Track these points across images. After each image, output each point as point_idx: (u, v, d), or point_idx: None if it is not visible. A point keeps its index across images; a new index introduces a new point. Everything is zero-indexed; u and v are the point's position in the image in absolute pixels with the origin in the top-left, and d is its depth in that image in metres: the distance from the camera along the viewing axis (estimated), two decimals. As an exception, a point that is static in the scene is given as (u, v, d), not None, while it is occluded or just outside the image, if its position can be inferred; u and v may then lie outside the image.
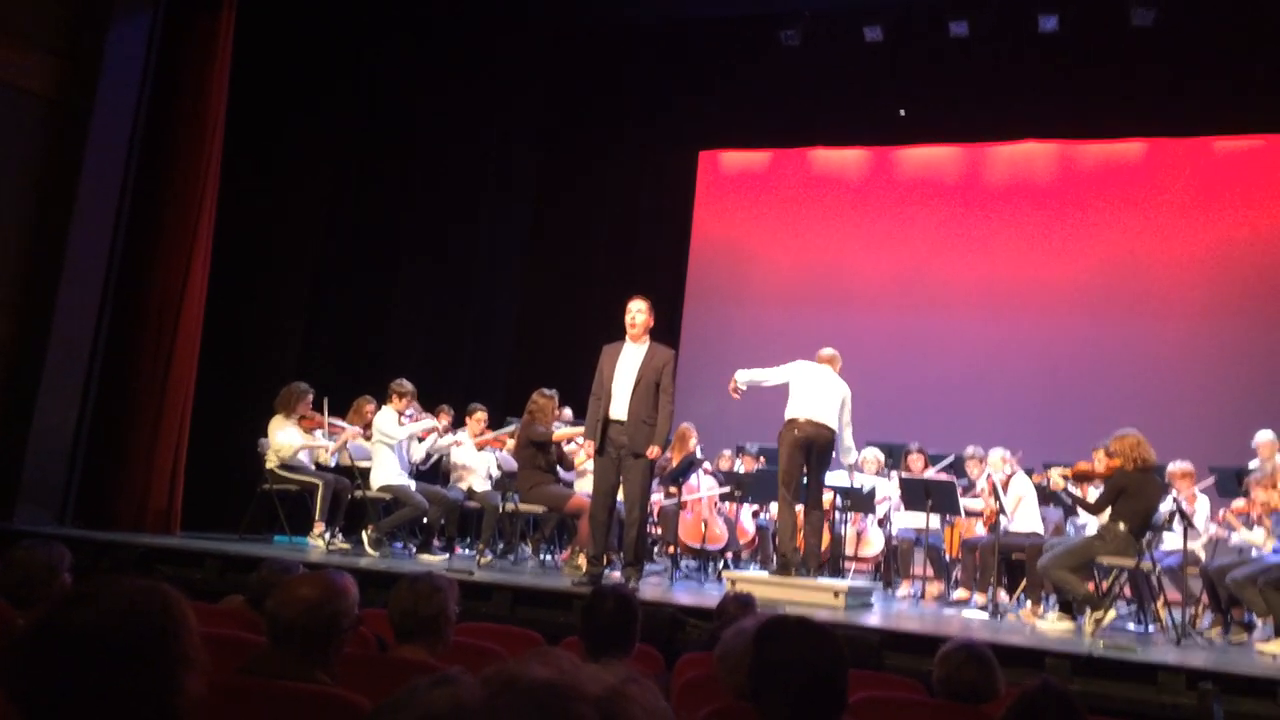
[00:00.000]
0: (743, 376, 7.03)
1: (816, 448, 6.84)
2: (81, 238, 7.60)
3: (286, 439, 7.93)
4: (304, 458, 8.09)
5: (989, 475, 8.03)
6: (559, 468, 8.08)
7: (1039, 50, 10.46)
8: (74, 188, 7.54)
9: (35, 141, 7.56)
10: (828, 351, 7.23)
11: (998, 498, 7.75)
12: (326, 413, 8.21)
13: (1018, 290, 11.04)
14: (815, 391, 6.91)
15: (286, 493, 8.04)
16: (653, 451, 6.53)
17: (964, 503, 8.08)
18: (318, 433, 8.16)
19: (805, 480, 6.92)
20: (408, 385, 8.15)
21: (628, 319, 6.69)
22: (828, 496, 7.80)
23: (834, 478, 7.83)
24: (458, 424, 8.77)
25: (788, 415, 6.89)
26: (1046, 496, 7.87)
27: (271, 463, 7.96)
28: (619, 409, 6.57)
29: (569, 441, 8.21)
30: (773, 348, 7.76)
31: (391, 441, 7.97)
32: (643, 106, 12.03)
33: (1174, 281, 10.57)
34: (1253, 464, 7.76)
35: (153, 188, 8.10)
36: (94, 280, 7.74)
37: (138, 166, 8.00)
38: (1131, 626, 7.10)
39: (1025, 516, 7.91)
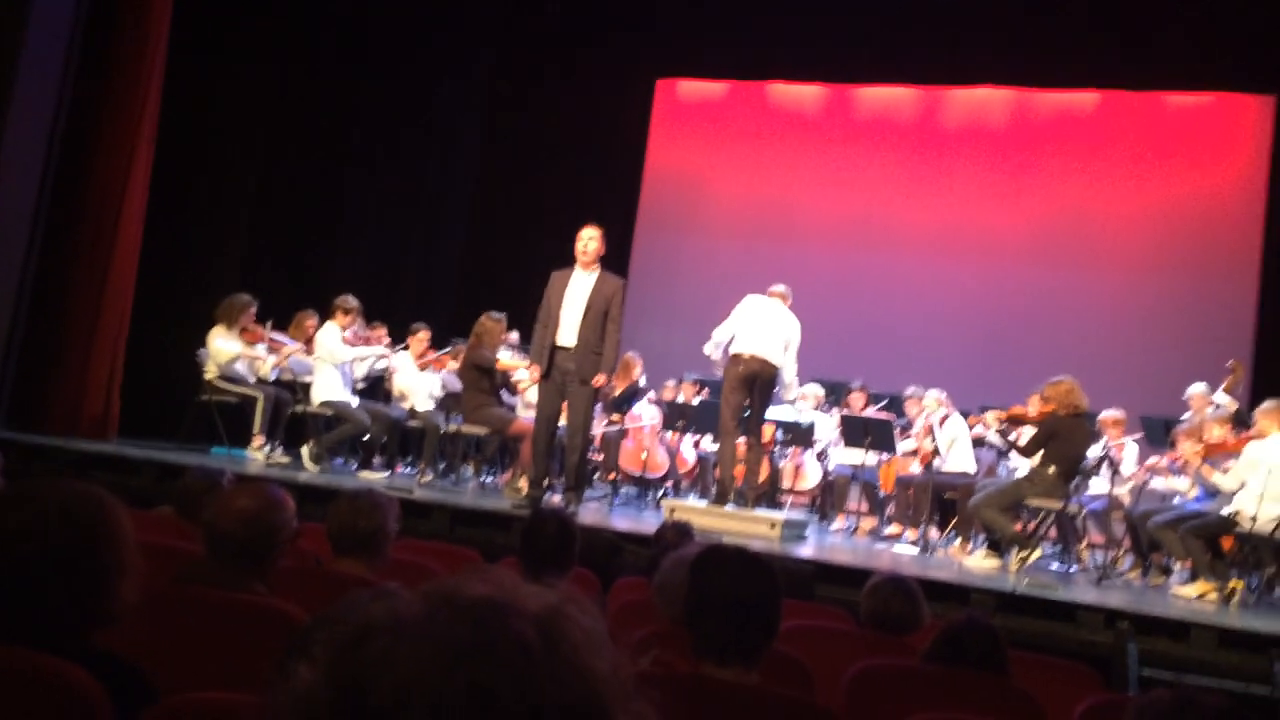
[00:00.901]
0: (711, 348, 7.04)
1: (760, 382, 6.89)
2: (17, 136, 7.34)
3: (226, 346, 7.81)
4: (243, 370, 7.98)
5: (926, 417, 8.17)
6: (502, 392, 8.07)
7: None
8: (9, 84, 7.25)
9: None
10: (780, 288, 7.23)
11: (934, 439, 7.90)
12: (269, 328, 8.09)
13: (966, 234, 11.13)
14: (762, 327, 6.93)
15: (226, 405, 7.95)
16: (599, 380, 6.55)
17: (900, 443, 8.22)
18: (259, 346, 8.05)
19: (747, 413, 6.99)
20: (353, 301, 8.05)
21: (579, 246, 6.65)
22: (768, 430, 7.89)
23: (775, 412, 7.91)
24: (396, 341, 8.67)
25: (733, 350, 6.92)
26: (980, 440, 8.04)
27: (210, 373, 7.85)
28: (567, 336, 6.56)
29: (513, 372, 8.17)
30: (722, 280, 7.77)
31: (334, 362, 7.89)
32: (601, 29, 11.82)
33: (1119, 234, 10.71)
34: (1185, 415, 7.97)
35: (92, 86, 7.81)
36: (29, 181, 7.49)
37: (77, 63, 7.72)
38: (1055, 567, 7.31)
39: (958, 457, 8.08)
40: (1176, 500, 7.24)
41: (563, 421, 6.84)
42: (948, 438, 8.07)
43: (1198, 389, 7.93)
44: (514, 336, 8.66)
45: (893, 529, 8.35)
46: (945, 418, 8.14)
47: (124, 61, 7.89)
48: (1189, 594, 6.21)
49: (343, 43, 10.08)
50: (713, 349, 7.07)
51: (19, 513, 1.73)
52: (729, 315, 7.04)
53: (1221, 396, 7.67)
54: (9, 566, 1.69)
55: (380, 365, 8.44)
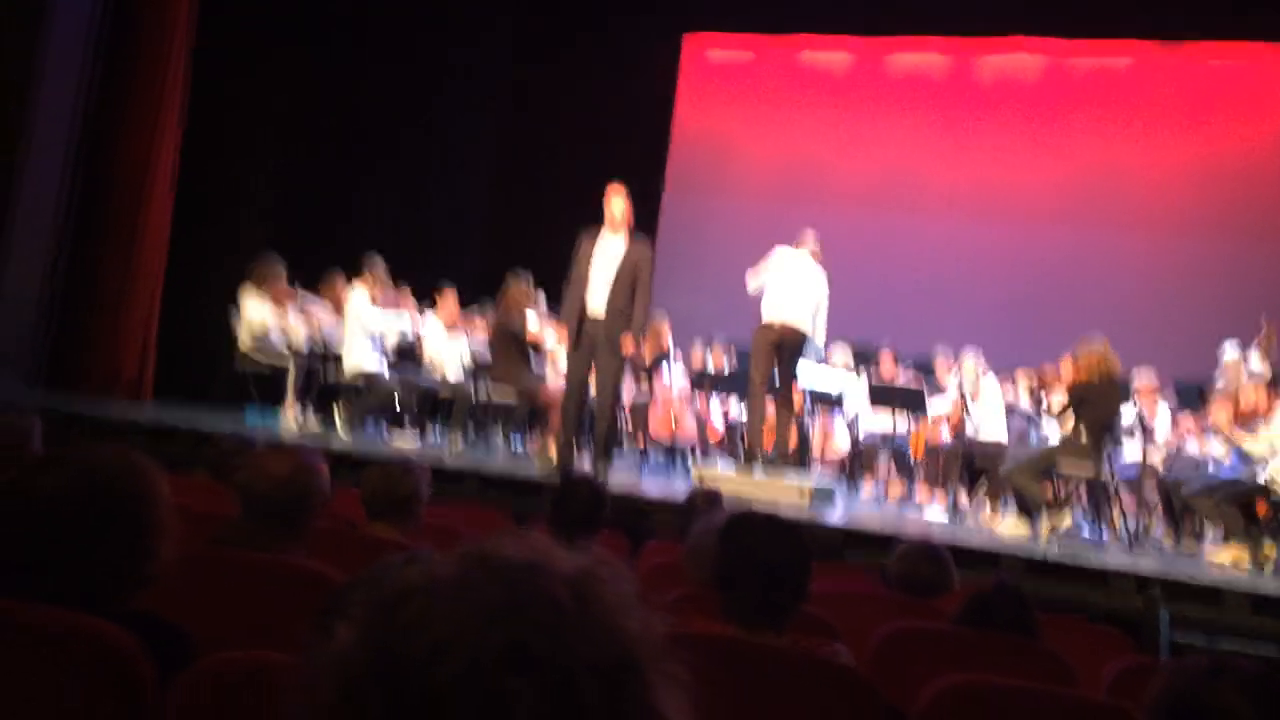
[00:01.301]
0: (751, 285, 7.02)
1: (787, 347, 6.87)
2: (48, 99, 7.40)
3: (258, 315, 7.87)
4: (276, 340, 8.04)
5: (959, 384, 8.11)
6: (532, 352, 8.08)
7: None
8: (37, 50, 7.30)
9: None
10: (809, 239, 7.13)
11: (965, 405, 7.85)
12: (299, 291, 8.14)
13: (998, 195, 11.01)
14: (789, 291, 6.88)
15: (259, 375, 8.01)
16: (628, 346, 6.53)
17: (931, 403, 8.17)
18: (290, 307, 8.09)
19: (776, 377, 6.97)
20: (380, 264, 8.06)
21: (607, 209, 6.60)
22: (797, 397, 7.87)
23: (805, 379, 7.88)
24: (419, 298, 8.65)
25: (763, 317, 6.88)
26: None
27: (244, 344, 7.91)
28: (596, 303, 6.54)
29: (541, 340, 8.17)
30: (751, 242, 7.71)
31: (366, 330, 7.93)
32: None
33: (1156, 193, 10.56)
34: (1219, 377, 7.87)
35: (121, 52, 7.87)
36: (61, 144, 7.57)
37: (107, 29, 7.76)
38: (1086, 533, 7.28)
39: (990, 423, 8.02)
40: (1210, 467, 7.17)
41: (592, 389, 6.85)
42: (985, 398, 8.00)
43: (1232, 354, 7.82)
44: (540, 297, 8.65)
45: (922, 495, 8.33)
46: (978, 380, 8.05)
47: (151, 30, 7.93)
48: (1222, 559, 6.17)
49: (364, 7, 10.05)
50: (753, 286, 7.02)
51: (57, 477, 1.76)
52: (762, 262, 7.01)
53: (1255, 358, 7.56)
54: (49, 530, 1.72)
55: (410, 334, 8.46)
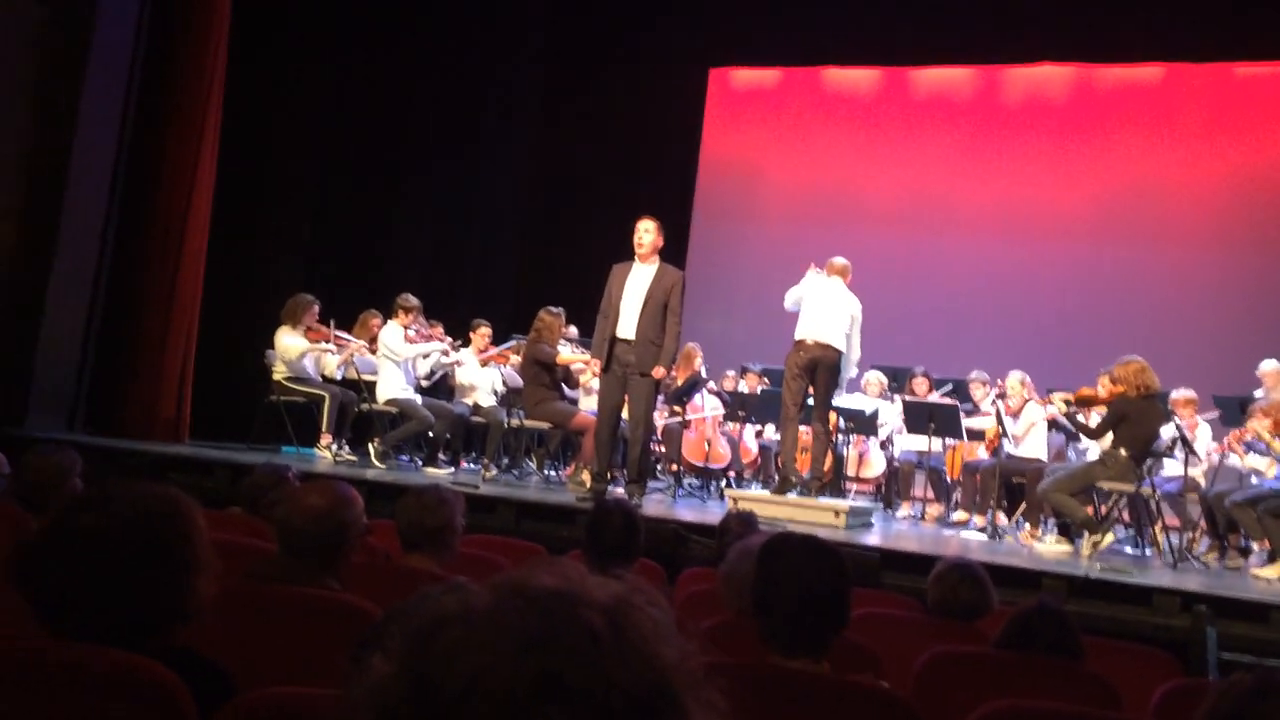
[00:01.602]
0: (789, 300, 7.06)
1: (822, 368, 6.85)
2: (86, 144, 7.54)
3: (293, 343, 7.97)
4: (309, 368, 8.12)
5: (994, 400, 8.04)
6: (564, 385, 8.12)
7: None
8: (78, 92, 7.45)
9: (37, 42, 7.44)
10: (839, 262, 7.15)
11: (1000, 422, 7.78)
12: (333, 327, 8.23)
13: (1028, 214, 10.95)
14: (823, 310, 6.90)
15: (294, 404, 8.09)
16: (659, 371, 6.54)
17: (967, 422, 8.11)
18: (322, 344, 8.19)
19: (810, 399, 6.95)
20: (413, 300, 8.15)
21: (636, 239, 6.64)
22: (831, 418, 7.82)
23: (838, 400, 7.84)
24: (453, 337, 8.75)
25: (796, 336, 6.90)
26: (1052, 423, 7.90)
27: (279, 373, 8.00)
28: (626, 328, 6.56)
29: (573, 366, 8.20)
30: (781, 268, 7.72)
31: (397, 359, 8.00)
32: (652, 21, 11.80)
33: (1188, 208, 10.46)
34: (1258, 393, 7.77)
35: (158, 95, 8.01)
36: (100, 187, 7.70)
37: (143, 71, 7.91)
38: (1129, 551, 7.17)
39: (1032, 442, 7.95)
40: (1254, 480, 7.06)
41: (625, 414, 6.85)
42: (1025, 421, 7.93)
43: (1271, 365, 7.73)
44: (573, 330, 8.70)
45: (960, 515, 8.25)
46: (1024, 404, 7.98)
47: (185, 73, 8.06)
48: (1269, 575, 6.05)
49: (394, 42, 10.20)
50: (789, 303, 7.06)
51: (98, 514, 1.78)
52: (801, 282, 7.04)
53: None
54: (90, 567, 1.73)
55: (445, 362, 8.52)
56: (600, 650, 0.74)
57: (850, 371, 7.39)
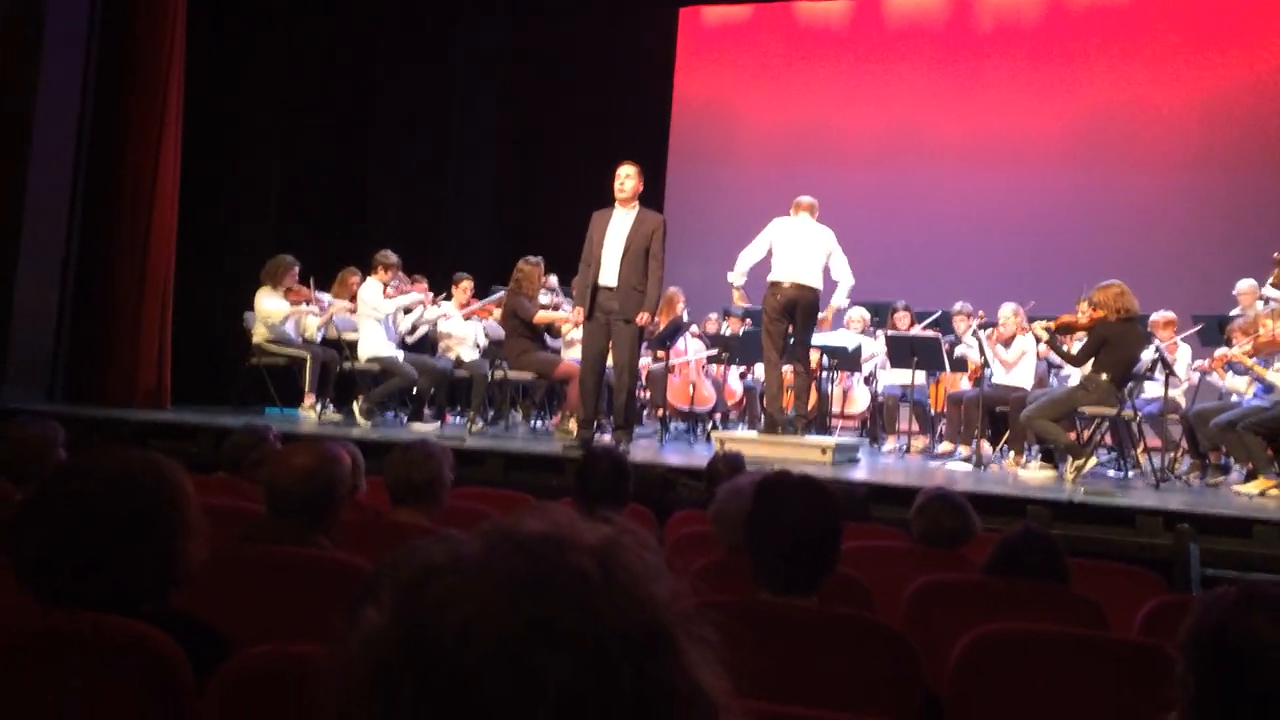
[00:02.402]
0: (735, 276, 7.00)
1: (800, 308, 6.81)
2: (48, 115, 7.41)
3: (274, 306, 7.91)
4: (290, 331, 8.08)
5: (974, 331, 8.05)
6: (546, 335, 8.10)
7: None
8: (38, 61, 7.31)
9: (-8, 12, 7.29)
10: (805, 200, 7.07)
11: (983, 352, 7.81)
12: (313, 287, 8.17)
13: (1005, 142, 10.92)
14: (795, 250, 6.83)
15: (275, 367, 8.05)
16: (643, 318, 6.52)
17: (957, 350, 8.12)
18: (304, 306, 8.13)
19: (791, 339, 6.94)
20: (392, 256, 8.09)
21: (617, 184, 6.60)
22: (814, 356, 7.84)
23: (820, 337, 7.85)
24: (435, 292, 8.72)
25: (770, 278, 6.87)
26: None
27: (259, 336, 7.96)
28: (608, 275, 6.54)
29: (554, 324, 8.17)
30: (759, 207, 7.68)
31: (378, 315, 7.96)
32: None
33: (1164, 130, 10.45)
34: (1234, 312, 7.82)
35: (119, 59, 7.85)
36: (64, 157, 7.59)
37: (103, 35, 7.76)
38: (1112, 473, 7.26)
39: (1021, 371, 7.97)
40: (1234, 398, 7.13)
41: (609, 361, 6.85)
42: (1018, 350, 7.94)
43: (1246, 284, 7.78)
44: (552, 279, 8.66)
45: (945, 446, 8.32)
46: (1012, 335, 7.96)
47: (146, 38, 7.90)
48: (1250, 491, 6.14)
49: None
50: (737, 276, 7.01)
51: (84, 482, 1.77)
52: (756, 238, 6.97)
53: (1271, 290, 7.51)
54: (78, 534, 1.73)
55: (429, 315, 8.48)
56: (591, 592, 0.74)
57: (842, 301, 7.30)
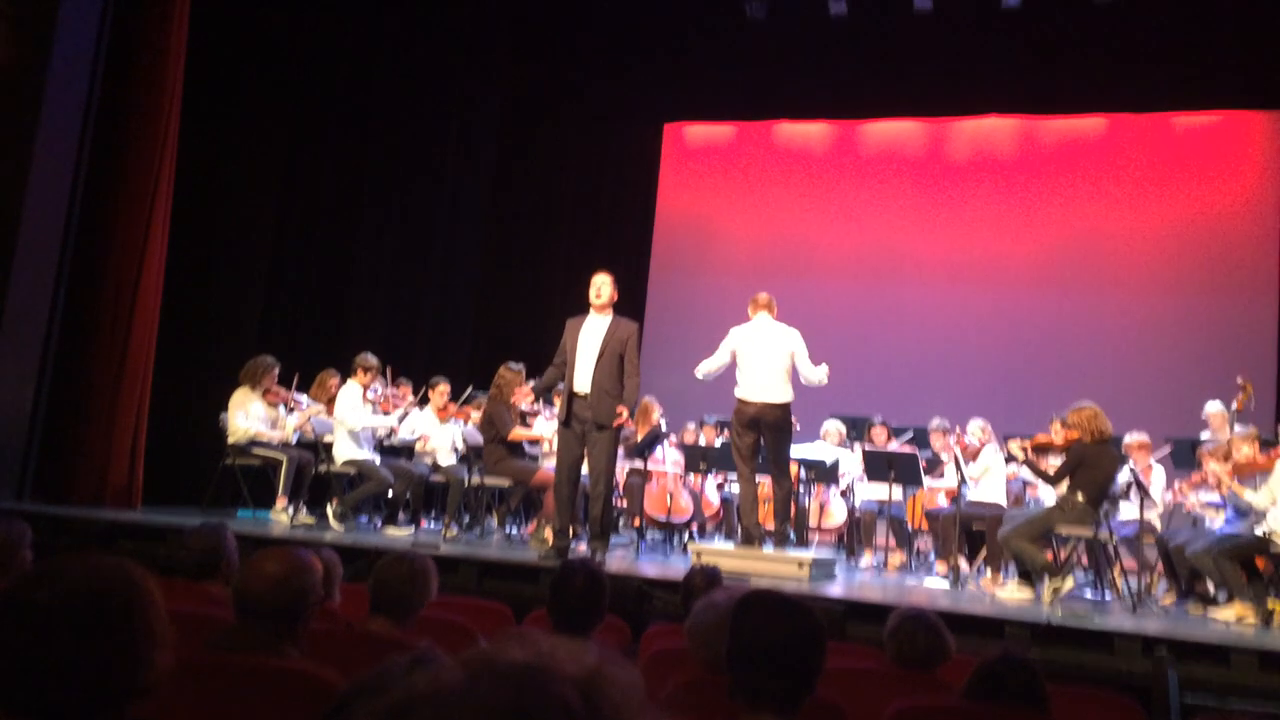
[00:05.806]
0: (701, 373, 6.99)
1: (766, 423, 6.71)
2: (36, 207, 7.44)
3: (243, 423, 7.84)
4: (266, 430, 8.02)
5: (954, 446, 8.10)
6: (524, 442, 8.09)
7: (1003, 26, 10.57)
8: (28, 157, 7.37)
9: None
10: (762, 297, 6.93)
11: (959, 467, 7.84)
12: (294, 388, 8.15)
13: (980, 264, 11.14)
14: (757, 361, 6.72)
15: (250, 467, 7.97)
16: (621, 411, 6.50)
17: (928, 481, 8.16)
18: (281, 408, 8.10)
19: (764, 454, 6.89)
20: (372, 359, 8.10)
21: (593, 291, 6.69)
22: (793, 469, 7.82)
23: (798, 450, 7.85)
24: (418, 393, 8.71)
25: (736, 393, 6.79)
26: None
27: (234, 436, 7.89)
28: (582, 382, 6.57)
29: (528, 441, 8.18)
30: (737, 321, 7.76)
31: (350, 428, 7.92)
32: (606, 78, 11.97)
33: (1133, 256, 10.70)
34: (1204, 434, 7.91)
35: (109, 158, 7.94)
36: (49, 252, 7.60)
37: (93, 136, 7.85)
38: (1089, 595, 7.22)
39: (990, 487, 8.01)
40: (1208, 522, 7.15)
41: (585, 470, 6.82)
42: (983, 465, 8.00)
43: (1215, 407, 7.89)
44: (533, 385, 8.66)
45: (940, 569, 8.28)
46: (983, 445, 8.04)
47: (140, 127, 8.00)
48: (1227, 617, 6.11)
49: (349, 103, 10.23)
50: (702, 373, 6.98)
51: (49, 590, 1.74)
52: (719, 347, 6.89)
53: (1236, 415, 7.62)
54: (42, 644, 1.69)
55: (403, 438, 8.47)
56: (575, 724, 0.73)
57: (822, 378, 7.09)
